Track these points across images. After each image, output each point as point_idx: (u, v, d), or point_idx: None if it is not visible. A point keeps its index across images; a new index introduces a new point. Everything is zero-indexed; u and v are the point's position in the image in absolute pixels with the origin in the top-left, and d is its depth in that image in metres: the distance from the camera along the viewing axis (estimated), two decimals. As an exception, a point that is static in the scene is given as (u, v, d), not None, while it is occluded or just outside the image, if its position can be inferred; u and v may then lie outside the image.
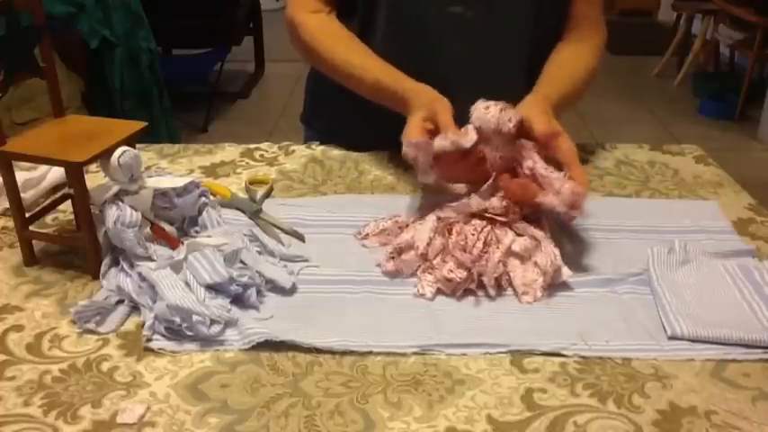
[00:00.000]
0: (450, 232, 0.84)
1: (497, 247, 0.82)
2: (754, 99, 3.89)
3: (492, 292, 0.79)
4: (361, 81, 1.06)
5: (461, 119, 0.99)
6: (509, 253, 0.82)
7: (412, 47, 1.09)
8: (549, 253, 0.81)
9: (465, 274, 0.79)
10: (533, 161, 0.87)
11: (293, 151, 1.14)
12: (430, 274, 0.81)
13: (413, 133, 0.91)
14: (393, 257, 0.84)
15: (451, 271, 0.79)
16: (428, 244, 0.82)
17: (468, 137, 0.87)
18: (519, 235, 0.84)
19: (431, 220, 0.85)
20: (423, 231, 0.84)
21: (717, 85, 4.23)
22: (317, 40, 1.11)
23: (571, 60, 1.11)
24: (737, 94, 3.94)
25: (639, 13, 5.41)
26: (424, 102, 0.96)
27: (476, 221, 0.85)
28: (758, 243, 0.91)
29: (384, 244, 0.88)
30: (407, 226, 0.89)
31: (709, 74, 4.58)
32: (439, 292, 0.80)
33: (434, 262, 0.82)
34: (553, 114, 0.96)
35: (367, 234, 0.90)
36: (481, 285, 0.80)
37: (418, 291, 0.80)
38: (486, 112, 0.87)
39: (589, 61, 1.12)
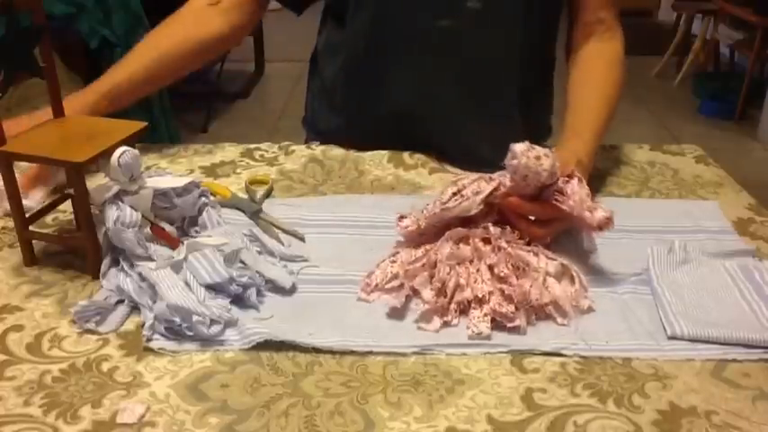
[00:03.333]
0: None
1: (534, 272, 0.78)
2: (754, 99, 3.89)
3: (532, 318, 0.75)
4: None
5: (451, 133, 0.98)
6: (546, 274, 0.79)
7: (400, 62, 1.09)
8: (577, 278, 0.80)
9: (513, 308, 0.75)
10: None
11: (293, 151, 1.14)
12: (475, 309, 0.75)
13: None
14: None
15: (500, 305, 0.75)
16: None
17: (476, 201, 0.83)
18: (550, 258, 0.81)
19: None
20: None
21: (717, 85, 4.23)
22: (166, 20, 1.11)
23: (596, 90, 1.07)
24: (737, 94, 3.94)
25: (639, 13, 5.40)
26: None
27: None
28: (758, 243, 0.91)
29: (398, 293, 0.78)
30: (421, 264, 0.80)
31: (709, 74, 4.58)
32: (493, 321, 0.75)
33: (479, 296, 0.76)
34: (588, 162, 0.95)
35: (376, 285, 0.80)
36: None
37: (473, 332, 0.73)
38: (539, 162, 0.81)
39: (615, 80, 1.08)
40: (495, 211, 0.86)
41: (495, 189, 0.84)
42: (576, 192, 0.83)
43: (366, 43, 1.10)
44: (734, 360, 0.71)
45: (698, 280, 0.81)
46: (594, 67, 1.10)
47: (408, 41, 1.07)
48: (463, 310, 0.76)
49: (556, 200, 0.84)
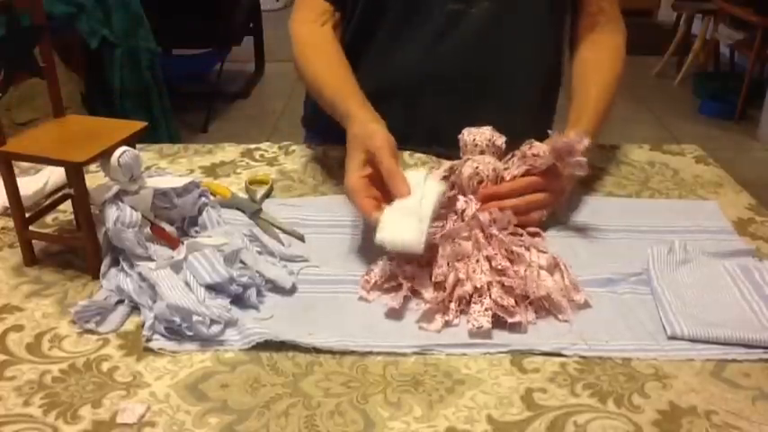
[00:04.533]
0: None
1: (526, 264, 0.79)
2: (754, 99, 3.89)
3: (532, 316, 0.75)
4: (321, 95, 1.04)
5: (456, 121, 0.98)
6: (539, 268, 0.80)
7: (408, 44, 1.09)
8: (565, 273, 0.80)
9: (513, 301, 0.75)
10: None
11: (293, 151, 1.14)
12: (476, 304, 0.75)
13: (354, 190, 0.83)
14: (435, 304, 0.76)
15: (501, 297, 0.74)
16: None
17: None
18: (540, 251, 0.83)
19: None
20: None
21: (717, 85, 4.23)
22: (301, 51, 1.10)
23: (596, 78, 1.08)
24: (737, 94, 3.95)
25: (639, 13, 5.40)
26: (359, 140, 0.86)
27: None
28: (758, 243, 0.91)
29: (394, 291, 0.79)
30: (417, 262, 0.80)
31: (709, 74, 4.58)
32: (494, 317, 0.74)
33: (478, 288, 0.76)
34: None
35: (375, 283, 0.80)
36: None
37: (473, 326, 0.73)
38: (480, 128, 0.91)
39: (615, 69, 1.10)
40: (480, 203, 0.88)
41: (452, 167, 0.91)
42: (540, 146, 0.89)
43: (374, 25, 1.10)
44: (734, 360, 0.71)
45: (698, 280, 0.81)
46: (594, 58, 1.11)
47: (418, 24, 1.07)
48: (464, 309, 0.76)
49: (527, 170, 0.90)
